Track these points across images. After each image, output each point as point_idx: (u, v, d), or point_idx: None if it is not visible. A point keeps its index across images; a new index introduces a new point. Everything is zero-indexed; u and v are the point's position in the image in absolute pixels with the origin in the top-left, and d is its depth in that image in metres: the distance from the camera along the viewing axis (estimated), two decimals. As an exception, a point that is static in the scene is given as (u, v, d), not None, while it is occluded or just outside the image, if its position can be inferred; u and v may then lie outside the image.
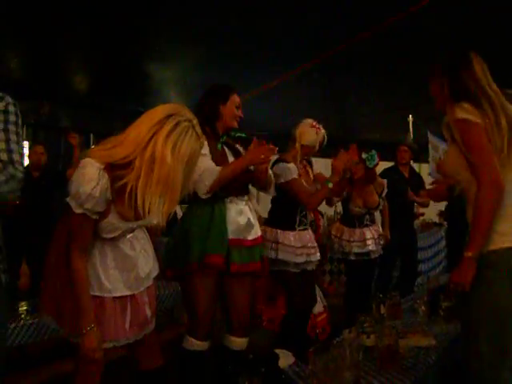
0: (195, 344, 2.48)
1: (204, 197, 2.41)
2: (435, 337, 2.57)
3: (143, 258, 2.03)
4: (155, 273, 2.10)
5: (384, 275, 4.44)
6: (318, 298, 3.70)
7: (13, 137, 1.54)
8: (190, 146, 1.69)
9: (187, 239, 2.45)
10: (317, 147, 3.28)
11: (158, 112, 1.71)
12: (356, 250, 4.03)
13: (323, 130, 3.30)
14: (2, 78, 5.14)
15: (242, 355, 2.59)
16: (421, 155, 7.27)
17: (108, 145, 1.74)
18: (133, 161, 1.68)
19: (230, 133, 2.67)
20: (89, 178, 1.67)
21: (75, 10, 3.75)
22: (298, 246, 3.13)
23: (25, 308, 3.16)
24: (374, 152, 3.63)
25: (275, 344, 2.81)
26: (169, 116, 1.69)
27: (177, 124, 1.68)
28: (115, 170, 1.70)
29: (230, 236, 2.48)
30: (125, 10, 3.81)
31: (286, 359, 2.36)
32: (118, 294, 1.91)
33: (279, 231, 3.17)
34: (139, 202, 1.66)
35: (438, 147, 6.88)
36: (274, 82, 5.76)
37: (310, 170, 3.43)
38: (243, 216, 2.57)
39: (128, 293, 1.94)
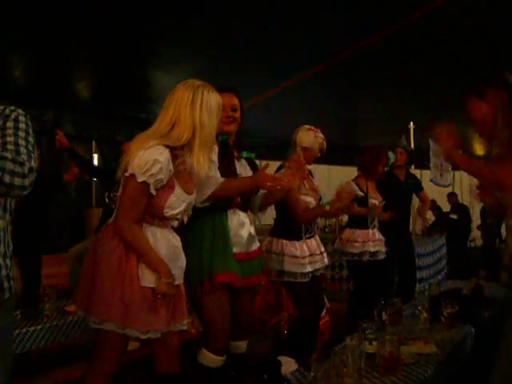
0: (210, 358, 2.40)
1: (200, 205, 2.36)
2: (437, 343, 2.58)
3: (182, 250, 2.15)
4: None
5: (385, 281, 4.44)
6: None
7: (21, 141, 1.59)
8: (214, 100, 2.05)
9: (192, 255, 2.36)
10: (317, 150, 3.31)
11: (183, 96, 2.02)
12: (372, 249, 4.05)
13: (321, 135, 3.32)
14: (6, 85, 5.18)
15: (244, 360, 2.60)
16: (422, 161, 7.31)
17: (155, 135, 1.99)
18: (188, 140, 2.00)
19: (239, 153, 2.64)
20: (152, 150, 1.92)
21: (79, 18, 3.78)
22: (305, 255, 3.13)
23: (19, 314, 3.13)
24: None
25: (280, 351, 2.82)
26: (192, 92, 2.01)
27: (201, 93, 2.02)
28: (173, 150, 1.99)
29: (235, 250, 2.44)
30: (128, 17, 3.84)
31: (288, 366, 2.37)
32: None
33: (285, 242, 3.15)
34: (196, 166, 2.00)
35: (439, 153, 6.89)
36: (275, 89, 5.79)
37: (312, 179, 3.43)
38: (245, 229, 2.52)
39: (176, 283, 2.03)
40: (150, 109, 6.00)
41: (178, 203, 2.01)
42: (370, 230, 4.12)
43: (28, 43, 4.37)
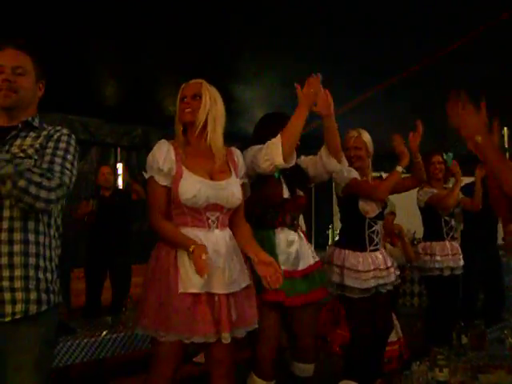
0: (257, 383, 2.40)
1: (284, 165, 2.28)
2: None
3: (234, 255, 2.09)
4: (244, 284, 2.10)
5: (467, 299, 4.09)
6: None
7: (57, 159, 1.67)
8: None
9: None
10: (352, 151, 3.08)
11: None
12: (452, 263, 3.80)
13: (351, 133, 3.14)
14: (100, 104, 5.52)
15: (308, 382, 2.52)
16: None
17: None
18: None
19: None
20: (153, 148, 2.08)
21: (166, 37, 4.00)
22: (368, 269, 2.95)
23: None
24: (447, 156, 3.97)
25: (343, 373, 2.70)
26: None
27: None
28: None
29: (283, 267, 2.31)
30: (207, 31, 3.92)
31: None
32: (205, 290, 1.96)
33: (347, 252, 3.00)
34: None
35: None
36: (361, 97, 5.64)
37: None
38: (294, 246, 2.48)
39: (219, 292, 1.98)
40: (235, 123, 6.09)
41: (190, 185, 2.01)
42: (447, 242, 3.86)
43: (119, 65, 4.65)
